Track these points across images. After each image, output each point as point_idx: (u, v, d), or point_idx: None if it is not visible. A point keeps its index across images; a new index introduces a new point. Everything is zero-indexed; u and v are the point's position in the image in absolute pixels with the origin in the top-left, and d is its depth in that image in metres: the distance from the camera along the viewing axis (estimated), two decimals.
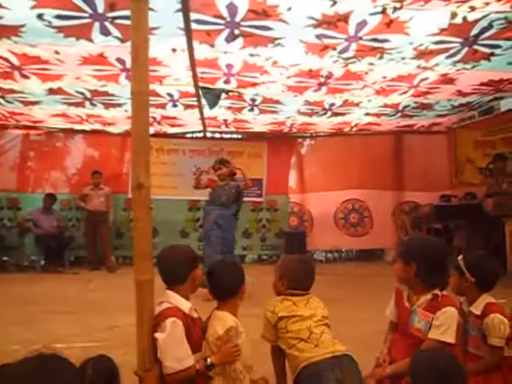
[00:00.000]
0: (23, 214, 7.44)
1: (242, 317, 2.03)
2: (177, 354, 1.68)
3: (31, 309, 4.39)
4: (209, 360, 1.76)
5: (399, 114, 6.56)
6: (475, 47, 3.98)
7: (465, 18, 3.42)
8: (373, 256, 8.25)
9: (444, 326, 1.81)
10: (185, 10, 3.21)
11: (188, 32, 3.57)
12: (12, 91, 5.22)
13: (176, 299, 1.82)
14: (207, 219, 5.34)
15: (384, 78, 4.82)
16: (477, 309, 1.99)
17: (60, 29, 3.55)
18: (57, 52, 4.02)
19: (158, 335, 1.69)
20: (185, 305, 1.82)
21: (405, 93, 5.41)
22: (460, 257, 2.08)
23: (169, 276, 1.87)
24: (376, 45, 3.89)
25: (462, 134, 7.55)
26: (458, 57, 4.20)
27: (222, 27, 3.58)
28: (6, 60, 4.20)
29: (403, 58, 4.23)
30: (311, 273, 2.16)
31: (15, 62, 4.25)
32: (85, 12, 3.30)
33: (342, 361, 1.84)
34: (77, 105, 5.88)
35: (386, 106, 6.05)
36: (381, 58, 4.20)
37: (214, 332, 1.82)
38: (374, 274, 6.47)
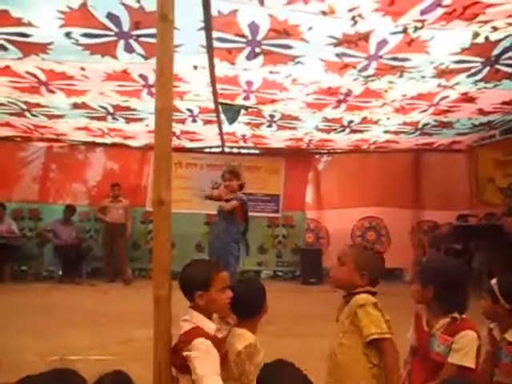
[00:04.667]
0: (44, 224, 7.59)
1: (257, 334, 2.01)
2: (209, 378, 1.58)
3: (48, 320, 4.44)
4: None
5: (418, 132, 6.52)
6: (497, 67, 3.95)
7: (487, 38, 3.41)
8: (390, 275, 8.08)
9: (463, 350, 1.77)
10: (207, 28, 3.29)
11: (210, 50, 3.64)
12: (38, 105, 5.37)
13: (199, 319, 1.74)
14: (212, 233, 4.99)
15: (404, 96, 4.81)
16: None
17: (86, 46, 3.66)
18: (82, 68, 4.14)
19: (189, 353, 1.63)
20: (209, 326, 1.74)
21: (425, 111, 5.38)
22: (493, 281, 2.00)
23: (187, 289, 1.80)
24: (396, 64, 3.89)
25: (482, 153, 7.44)
26: (480, 76, 4.18)
27: (243, 45, 3.64)
28: (34, 76, 4.34)
29: (423, 77, 4.23)
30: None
31: (42, 77, 4.39)
32: (111, 30, 3.40)
33: None
34: (99, 119, 6.01)
35: (405, 123, 6.02)
36: (401, 76, 4.20)
37: (234, 349, 1.80)
38: (391, 293, 6.24)
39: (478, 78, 4.20)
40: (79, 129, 6.72)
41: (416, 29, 3.26)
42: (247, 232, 5.18)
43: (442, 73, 4.10)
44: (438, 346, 1.82)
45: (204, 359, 1.61)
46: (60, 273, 7.33)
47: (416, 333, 2.02)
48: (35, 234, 7.61)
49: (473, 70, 4.03)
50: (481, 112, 5.42)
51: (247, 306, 1.89)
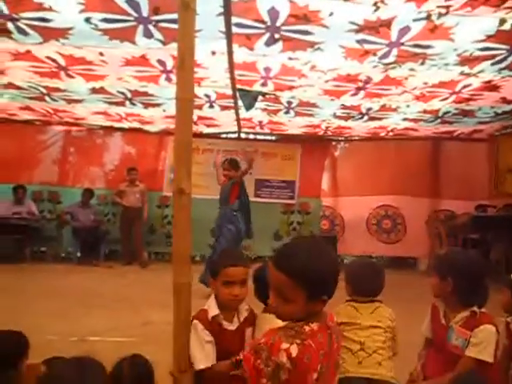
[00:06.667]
0: (63, 207, 7.74)
1: None
2: (193, 353, 1.71)
3: (67, 301, 4.55)
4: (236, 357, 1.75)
5: (438, 121, 6.40)
6: None
7: None
8: (405, 264, 8.08)
9: (482, 345, 1.76)
10: (226, 13, 3.26)
11: (228, 35, 3.61)
12: (57, 90, 5.42)
13: (209, 303, 1.83)
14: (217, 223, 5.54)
15: (425, 83, 4.70)
16: None
17: (105, 31, 3.66)
18: (101, 54, 4.15)
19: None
20: (211, 310, 1.79)
21: (446, 99, 5.26)
22: None
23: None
24: (418, 51, 3.80)
25: (503, 143, 7.28)
26: (505, 64, 4.06)
27: (262, 31, 3.60)
28: (54, 61, 4.37)
29: (446, 64, 4.12)
30: (376, 278, 2.09)
31: (62, 62, 4.42)
32: (130, 15, 3.39)
33: None
34: (117, 104, 6.05)
35: (425, 111, 5.91)
36: (422, 63, 4.11)
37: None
38: (405, 283, 6.31)
39: (502, 65, 4.08)
40: (97, 113, 6.78)
41: (440, 15, 3.17)
42: (247, 207, 5.55)
43: (466, 60, 3.99)
44: (455, 339, 1.82)
45: (192, 337, 1.73)
46: (78, 254, 7.49)
47: (432, 325, 2.02)
48: (55, 216, 7.77)
49: (498, 58, 3.92)
50: (504, 101, 5.28)
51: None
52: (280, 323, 1.79)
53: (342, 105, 5.68)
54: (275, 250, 1.30)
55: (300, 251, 1.23)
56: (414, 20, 3.26)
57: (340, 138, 8.34)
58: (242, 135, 8.14)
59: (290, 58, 4.14)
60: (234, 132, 7.96)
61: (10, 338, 1.53)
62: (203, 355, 1.70)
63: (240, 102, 5.43)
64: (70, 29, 3.64)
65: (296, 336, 1.16)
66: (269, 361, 1.12)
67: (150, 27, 3.58)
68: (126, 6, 3.26)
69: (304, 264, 1.18)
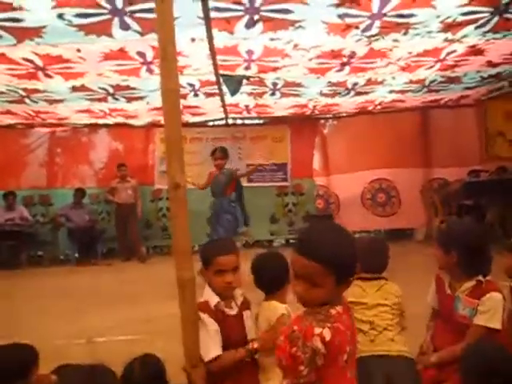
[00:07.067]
0: (55, 209, 7.65)
1: None
2: (203, 345, 1.72)
3: (69, 302, 4.52)
4: (250, 345, 1.77)
5: (425, 90, 6.37)
6: (506, 16, 3.79)
7: None
8: (402, 235, 8.12)
9: (490, 312, 1.77)
10: None
11: (207, 21, 3.53)
12: (37, 91, 5.30)
13: (206, 293, 1.84)
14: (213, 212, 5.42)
15: (409, 53, 4.66)
16: None
17: (80, 27, 3.56)
18: (78, 50, 4.05)
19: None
20: (212, 299, 1.81)
21: (431, 67, 5.23)
22: None
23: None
24: (401, 20, 3.75)
25: (491, 106, 7.28)
26: (488, 27, 4.02)
27: (241, 13, 3.52)
28: (31, 61, 4.26)
29: (429, 32, 4.08)
30: (381, 253, 2.09)
31: (39, 62, 4.31)
32: (104, 8, 3.29)
33: (394, 362, 1.81)
34: (100, 100, 5.94)
35: (411, 82, 5.87)
36: (405, 33, 4.06)
37: (267, 325, 1.81)
38: (404, 254, 6.33)
39: (486, 29, 4.04)
40: (81, 111, 6.66)
41: None
42: (242, 198, 5.55)
43: (449, 26, 3.94)
44: (463, 309, 1.82)
45: (201, 330, 1.74)
46: (76, 255, 7.44)
47: (438, 296, 2.02)
48: (48, 219, 7.68)
49: (481, 21, 3.88)
50: (489, 64, 5.25)
51: (272, 281, 1.89)
52: (282, 310, 1.81)
53: (328, 82, 5.62)
54: (297, 238, 1.26)
55: (325, 237, 1.20)
56: None
57: (328, 116, 8.28)
58: (230, 121, 8.06)
59: (272, 39, 4.07)
60: (221, 119, 7.87)
61: (19, 351, 1.48)
62: (213, 344, 1.72)
63: (225, 88, 5.35)
64: (44, 27, 3.53)
65: (326, 320, 1.14)
66: (305, 347, 1.10)
67: (126, 19, 3.48)
68: None
69: (333, 250, 1.16)
